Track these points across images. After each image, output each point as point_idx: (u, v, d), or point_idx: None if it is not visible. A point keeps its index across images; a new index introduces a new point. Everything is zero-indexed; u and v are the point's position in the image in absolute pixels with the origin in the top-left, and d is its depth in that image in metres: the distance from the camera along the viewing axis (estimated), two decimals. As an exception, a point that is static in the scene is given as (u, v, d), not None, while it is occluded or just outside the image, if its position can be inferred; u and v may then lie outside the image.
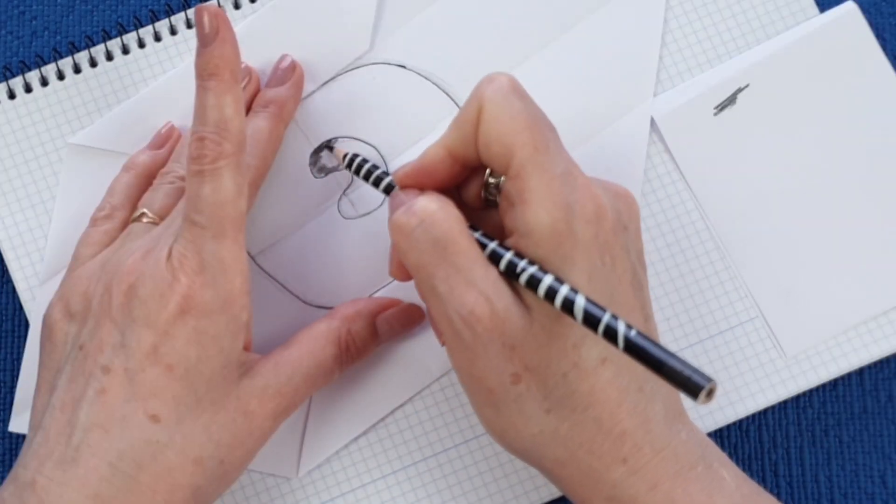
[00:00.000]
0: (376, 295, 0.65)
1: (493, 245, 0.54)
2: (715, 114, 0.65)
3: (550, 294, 0.52)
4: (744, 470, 0.64)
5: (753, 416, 0.65)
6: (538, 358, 0.53)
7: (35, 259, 0.65)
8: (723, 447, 0.65)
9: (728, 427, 0.65)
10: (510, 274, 0.53)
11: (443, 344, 0.58)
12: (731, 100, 0.66)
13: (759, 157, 0.65)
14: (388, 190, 0.59)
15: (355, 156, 0.62)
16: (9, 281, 0.66)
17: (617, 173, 0.65)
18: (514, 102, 0.54)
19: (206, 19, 0.57)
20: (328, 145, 0.65)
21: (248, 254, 0.63)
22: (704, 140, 0.65)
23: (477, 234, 0.54)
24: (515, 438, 0.56)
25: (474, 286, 0.53)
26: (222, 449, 0.56)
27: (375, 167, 0.60)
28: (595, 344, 0.54)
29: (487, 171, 0.57)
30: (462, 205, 0.57)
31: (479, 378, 0.55)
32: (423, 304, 0.63)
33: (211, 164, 0.55)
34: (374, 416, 0.64)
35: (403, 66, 0.66)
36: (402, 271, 0.59)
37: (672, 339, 0.64)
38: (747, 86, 0.66)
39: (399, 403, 0.64)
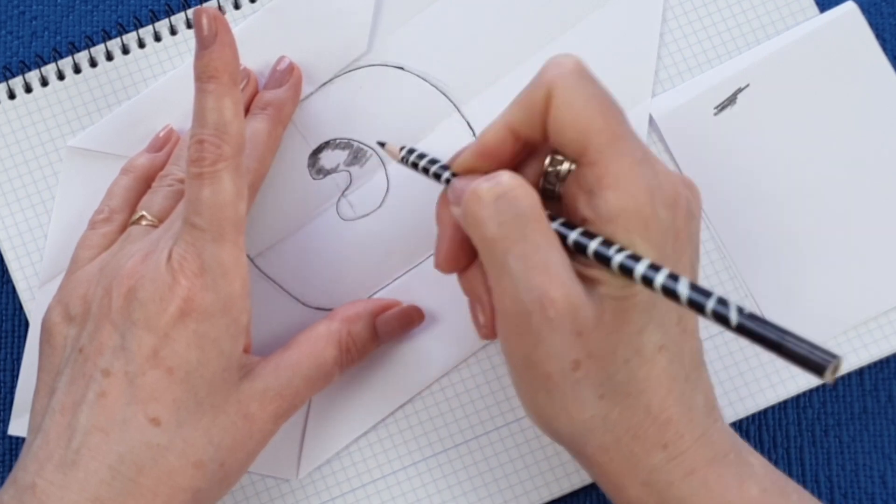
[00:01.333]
0: (376, 296, 0.65)
1: (598, 241, 0.53)
2: (715, 114, 0.66)
3: (647, 277, 0.51)
4: (744, 470, 0.64)
5: (753, 415, 0.65)
6: (604, 345, 0.53)
7: (35, 259, 0.65)
8: (723, 447, 0.65)
9: (729, 427, 0.65)
10: (599, 258, 0.52)
11: (483, 337, 0.57)
12: (732, 100, 0.66)
13: (759, 157, 0.65)
14: (448, 181, 0.57)
15: (412, 150, 0.60)
16: (9, 281, 0.66)
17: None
18: (585, 87, 0.53)
19: (204, 22, 0.57)
20: (380, 143, 0.63)
21: (248, 256, 0.63)
22: (705, 140, 0.65)
23: (556, 224, 0.54)
24: (566, 423, 0.55)
25: (551, 268, 0.52)
26: (223, 452, 0.56)
27: (433, 161, 0.59)
28: (656, 330, 0.54)
29: (547, 160, 0.56)
30: None
31: (536, 363, 0.54)
32: (421, 307, 0.64)
33: (210, 167, 0.55)
34: (375, 417, 0.64)
35: (402, 68, 0.66)
36: (451, 262, 0.57)
37: (672, 339, 0.64)
38: (747, 86, 0.66)
39: (399, 404, 0.64)
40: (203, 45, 0.57)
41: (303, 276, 0.65)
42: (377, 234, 0.65)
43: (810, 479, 0.65)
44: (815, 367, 0.46)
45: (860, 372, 0.66)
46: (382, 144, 0.62)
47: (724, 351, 0.64)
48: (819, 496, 0.65)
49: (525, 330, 0.53)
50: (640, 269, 0.51)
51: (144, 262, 0.56)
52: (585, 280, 0.53)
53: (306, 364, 0.59)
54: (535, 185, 0.56)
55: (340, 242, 0.65)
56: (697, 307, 0.50)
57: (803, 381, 0.64)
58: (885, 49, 0.67)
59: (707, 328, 0.64)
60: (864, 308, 0.64)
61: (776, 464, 0.65)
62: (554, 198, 0.56)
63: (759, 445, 0.65)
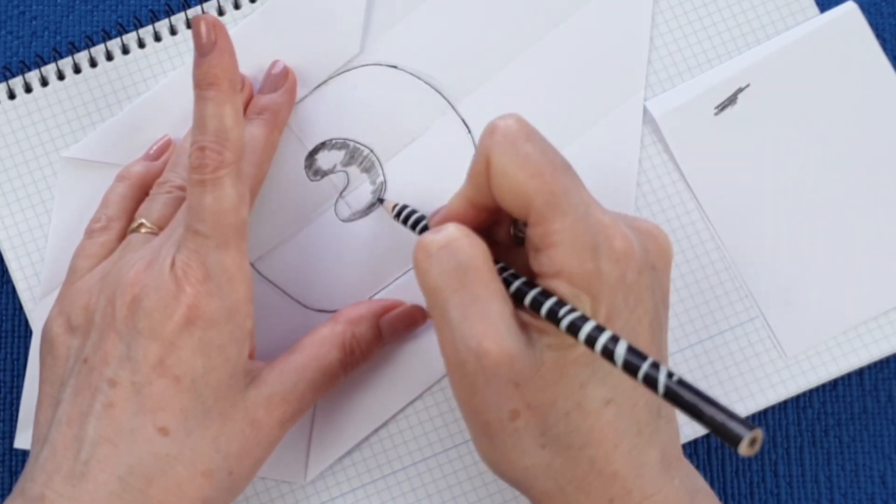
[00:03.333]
0: (378, 296, 0.65)
1: (535, 292, 0.53)
2: (715, 113, 0.65)
3: (590, 339, 0.50)
4: (744, 470, 0.64)
5: (753, 416, 0.65)
6: (542, 397, 0.53)
7: (35, 259, 0.65)
8: (723, 447, 0.65)
9: (728, 427, 0.65)
10: (551, 317, 0.52)
11: None
12: (732, 100, 0.65)
13: (759, 157, 0.65)
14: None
15: (404, 207, 0.61)
16: (8, 281, 0.66)
17: (611, 167, 0.65)
18: (520, 149, 0.52)
19: (203, 30, 0.57)
20: (380, 199, 0.65)
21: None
22: (705, 140, 0.65)
23: (518, 281, 0.54)
24: (508, 469, 0.55)
25: (488, 319, 0.52)
26: (230, 460, 0.56)
27: (423, 217, 0.60)
28: (602, 384, 0.53)
29: None
30: (493, 243, 0.56)
31: (476, 410, 0.54)
32: (423, 307, 0.64)
33: (212, 174, 0.55)
34: (380, 418, 0.64)
35: (395, 67, 0.66)
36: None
37: (672, 339, 0.64)
38: (748, 86, 0.66)
39: (404, 404, 0.64)
40: (202, 52, 0.57)
41: (303, 279, 0.65)
42: (376, 234, 0.65)
43: (810, 479, 0.65)
44: (732, 437, 0.45)
45: (860, 372, 0.66)
46: (382, 201, 0.64)
47: (724, 351, 0.64)
48: (819, 496, 0.65)
49: (463, 378, 0.53)
50: (584, 331, 0.50)
51: (147, 271, 0.56)
52: (531, 330, 0.53)
53: (311, 368, 0.59)
54: (507, 235, 0.56)
55: (340, 243, 0.65)
56: (630, 369, 0.49)
57: (803, 381, 0.64)
58: (885, 49, 0.66)
59: (707, 328, 0.64)
60: (864, 308, 0.64)
61: (776, 464, 0.65)
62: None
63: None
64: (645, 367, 0.48)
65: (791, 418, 0.65)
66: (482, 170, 0.53)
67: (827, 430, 0.66)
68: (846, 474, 0.65)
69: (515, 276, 0.54)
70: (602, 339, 0.49)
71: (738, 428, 0.45)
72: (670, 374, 0.48)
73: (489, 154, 0.53)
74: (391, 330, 0.63)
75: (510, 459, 0.55)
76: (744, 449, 0.45)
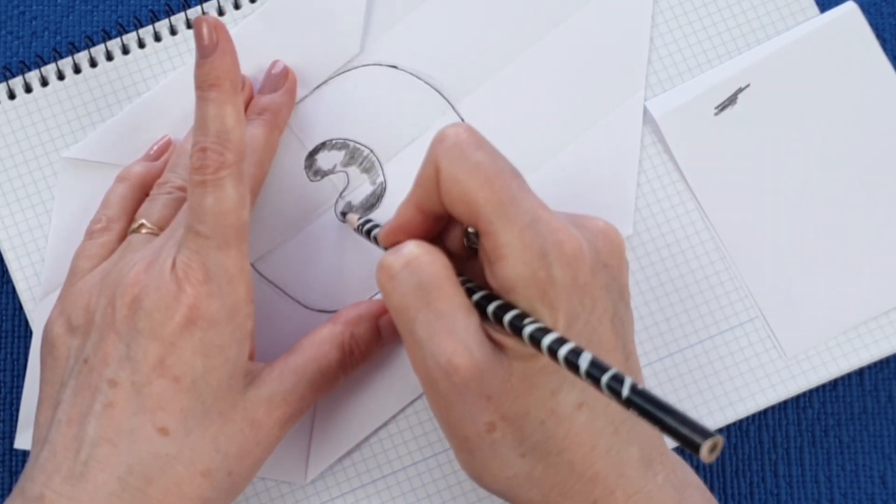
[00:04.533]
0: (378, 297, 0.64)
1: (495, 305, 0.53)
2: (715, 114, 0.65)
3: (553, 350, 0.50)
4: (744, 470, 0.64)
5: (753, 416, 0.65)
6: (515, 407, 0.53)
7: (35, 259, 0.65)
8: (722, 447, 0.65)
9: (728, 427, 0.65)
10: (514, 329, 0.52)
11: None
12: (732, 100, 0.65)
13: (759, 157, 0.65)
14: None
15: (367, 220, 0.62)
16: (8, 281, 0.66)
17: (611, 167, 0.65)
18: (469, 157, 0.52)
19: (205, 31, 0.57)
20: (342, 212, 0.65)
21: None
22: (705, 140, 0.65)
23: (478, 294, 0.54)
24: (491, 481, 0.56)
25: (454, 335, 0.52)
26: (230, 460, 0.56)
27: (376, 226, 0.60)
28: (572, 389, 0.53)
29: None
30: (448, 254, 0.56)
31: (453, 425, 0.55)
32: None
33: (213, 175, 0.55)
34: (380, 418, 0.64)
35: (395, 67, 0.66)
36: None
37: (672, 338, 0.64)
38: (748, 86, 0.66)
39: (404, 405, 0.64)
40: (204, 53, 0.57)
41: (304, 279, 0.64)
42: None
43: (810, 479, 0.65)
44: (691, 444, 0.45)
45: (860, 372, 0.66)
46: (345, 215, 0.65)
47: (724, 351, 0.64)
48: (819, 496, 0.65)
49: (437, 395, 0.54)
50: (546, 341, 0.50)
51: (148, 271, 0.56)
52: (497, 342, 0.53)
53: (311, 368, 0.59)
54: (461, 246, 0.57)
55: (340, 244, 0.65)
56: (594, 379, 0.48)
57: (803, 381, 0.64)
58: (885, 49, 0.66)
59: (707, 328, 0.64)
60: (864, 308, 0.64)
61: (776, 464, 0.65)
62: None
63: (759, 445, 0.65)
64: (605, 378, 0.48)
65: (791, 418, 0.65)
66: (431, 177, 0.53)
67: (827, 430, 0.65)
68: (846, 474, 0.65)
69: (476, 290, 0.54)
70: (563, 351, 0.49)
71: (696, 436, 0.45)
72: (633, 385, 0.47)
73: (438, 161, 0.53)
74: (391, 330, 0.62)
75: (492, 471, 0.55)
76: (704, 454, 0.44)
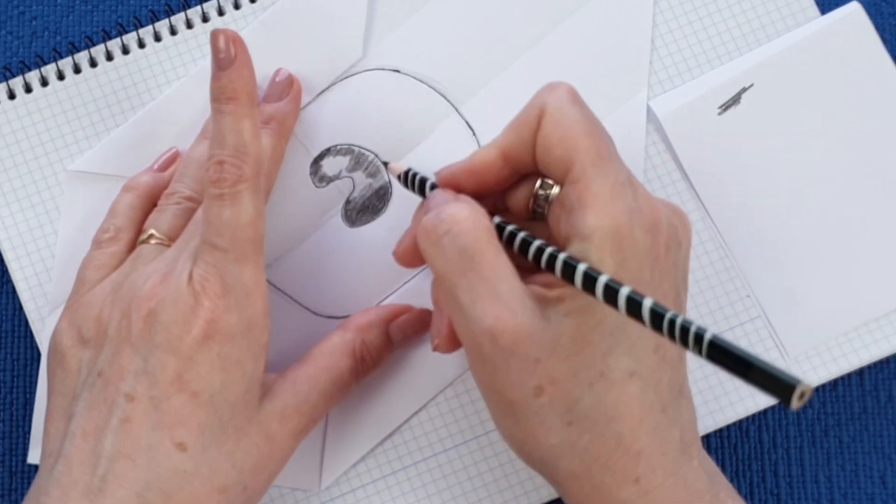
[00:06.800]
0: (387, 301, 0.64)
1: (539, 243, 0.53)
2: (719, 113, 0.65)
3: (609, 293, 0.50)
4: (744, 470, 0.65)
5: (753, 416, 0.65)
6: (564, 368, 0.53)
7: (35, 259, 0.64)
8: (723, 447, 0.65)
9: (728, 427, 0.65)
10: (566, 273, 0.52)
11: (435, 349, 0.58)
12: (736, 99, 0.65)
13: (762, 157, 0.65)
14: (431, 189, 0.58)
15: (409, 170, 0.61)
16: (9, 281, 0.66)
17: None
18: (576, 109, 0.54)
19: (222, 44, 0.57)
20: (384, 161, 0.65)
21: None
22: (708, 139, 0.65)
23: (538, 241, 0.54)
24: (534, 449, 0.55)
25: (499, 299, 0.52)
26: (245, 475, 0.56)
27: (426, 178, 0.59)
28: (625, 354, 0.53)
29: (538, 183, 0.56)
30: (507, 213, 0.56)
31: (499, 390, 0.54)
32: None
33: (231, 188, 0.55)
34: (392, 423, 0.64)
35: (398, 71, 0.66)
36: (406, 257, 0.58)
37: (673, 338, 0.64)
38: (751, 86, 0.65)
39: (416, 409, 0.64)
40: (221, 66, 0.57)
41: (312, 286, 0.64)
42: (383, 239, 0.64)
43: (810, 479, 0.65)
44: (784, 390, 0.44)
45: (860, 372, 0.66)
46: (386, 164, 0.64)
47: (724, 351, 0.64)
48: (819, 496, 0.65)
49: (483, 359, 0.53)
50: (601, 283, 0.50)
51: (164, 284, 0.55)
52: (547, 301, 0.53)
53: (323, 378, 0.59)
54: (525, 208, 0.57)
55: (347, 249, 0.65)
56: (656, 325, 0.48)
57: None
58: (886, 49, 0.66)
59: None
60: (867, 308, 0.64)
61: (776, 464, 0.65)
62: (543, 220, 0.56)
63: (759, 445, 0.65)
64: (680, 320, 0.47)
65: (791, 418, 0.65)
66: (530, 119, 0.54)
67: (827, 430, 0.66)
68: (846, 474, 0.65)
69: (531, 240, 0.54)
70: (624, 293, 0.49)
71: (789, 378, 0.44)
72: (703, 329, 0.47)
73: (545, 105, 0.54)
74: (401, 335, 0.62)
75: (536, 438, 0.54)
76: (795, 403, 0.44)
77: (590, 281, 0.51)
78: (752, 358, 0.45)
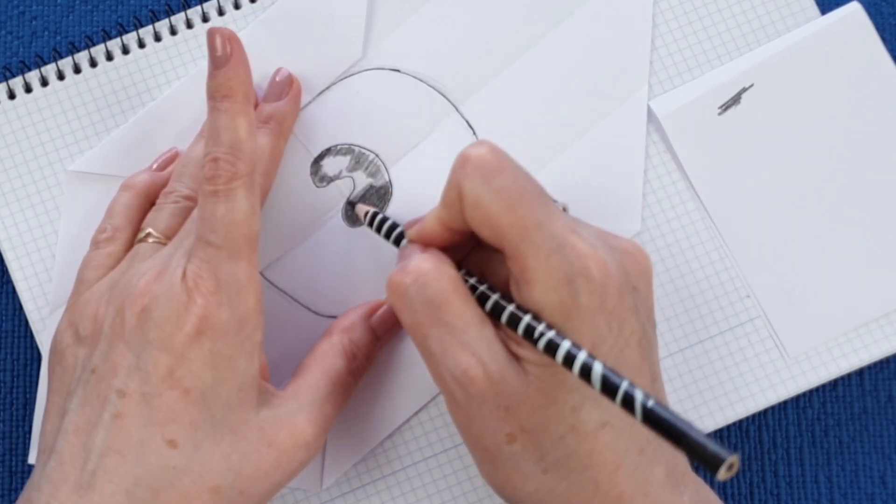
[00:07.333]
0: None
1: (511, 307, 0.53)
2: (719, 113, 0.65)
3: (568, 360, 0.50)
4: (744, 470, 0.65)
5: (753, 416, 0.65)
6: (534, 420, 0.53)
7: (35, 259, 0.64)
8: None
9: (728, 427, 0.65)
10: (527, 336, 0.52)
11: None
12: (736, 100, 0.65)
13: (762, 158, 0.65)
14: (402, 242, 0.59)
15: (376, 213, 0.61)
16: (9, 281, 0.66)
17: (616, 163, 0.65)
18: (492, 181, 0.52)
19: (218, 42, 0.57)
20: (350, 202, 0.65)
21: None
22: (708, 140, 0.65)
23: (491, 300, 0.54)
24: (513, 494, 0.55)
25: (467, 347, 0.52)
26: (243, 479, 0.56)
27: (395, 224, 0.60)
28: (595, 407, 0.53)
29: None
30: (479, 246, 0.56)
31: (474, 436, 0.55)
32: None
33: (225, 185, 0.55)
34: (393, 423, 0.64)
35: (398, 70, 0.66)
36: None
37: (673, 338, 0.64)
38: (752, 86, 0.65)
39: (417, 409, 0.64)
40: (217, 64, 0.57)
41: (313, 285, 0.64)
42: (383, 239, 0.64)
43: (810, 480, 0.65)
44: (712, 461, 0.45)
45: (860, 372, 0.66)
46: (353, 205, 0.64)
47: (724, 351, 0.64)
48: (819, 496, 0.65)
49: (457, 406, 0.54)
50: (562, 351, 0.50)
51: (158, 281, 0.55)
52: (515, 356, 0.53)
53: (323, 383, 0.59)
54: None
55: (348, 249, 0.65)
56: (609, 391, 0.49)
57: (803, 381, 0.64)
58: (886, 49, 0.66)
59: (708, 328, 0.64)
60: (867, 309, 0.64)
61: (776, 464, 0.65)
62: None
63: (760, 445, 0.65)
64: (624, 386, 0.48)
65: (791, 418, 0.65)
66: (455, 200, 0.53)
67: (827, 430, 0.66)
68: (846, 474, 0.65)
69: (492, 291, 0.54)
70: (580, 358, 0.49)
71: (716, 452, 0.45)
72: (647, 395, 0.48)
73: (461, 186, 0.53)
74: (384, 328, 0.63)
75: (513, 484, 0.55)
76: (723, 474, 0.45)
77: (550, 346, 0.51)
78: (686, 429, 0.46)
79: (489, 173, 0.52)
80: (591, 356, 0.49)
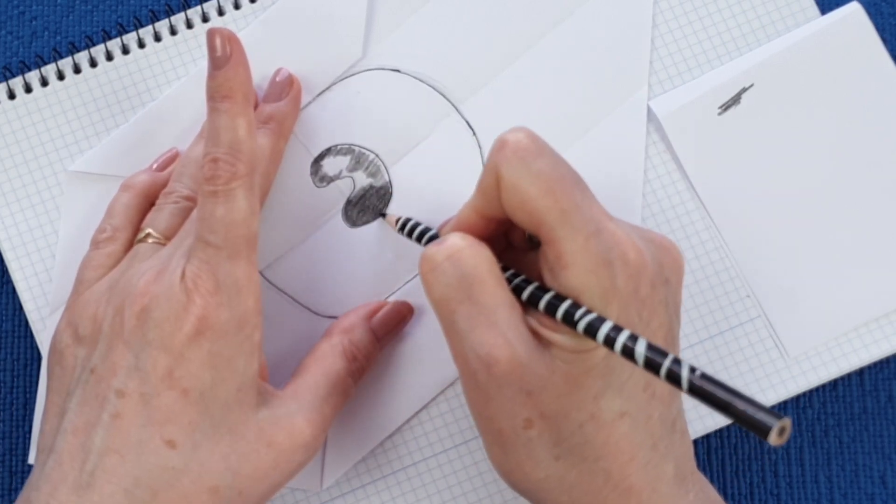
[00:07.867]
0: (390, 300, 0.64)
1: (549, 296, 0.53)
2: (719, 113, 0.65)
3: (609, 341, 0.50)
4: (744, 470, 0.65)
5: (753, 416, 0.65)
6: (556, 406, 0.53)
7: (35, 259, 0.64)
8: (723, 447, 0.65)
9: (728, 427, 0.65)
10: (566, 319, 0.51)
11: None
12: (736, 100, 0.65)
13: (762, 158, 0.65)
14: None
15: (408, 220, 0.61)
16: (9, 281, 0.66)
17: (616, 163, 0.65)
18: (531, 165, 0.52)
19: (218, 43, 0.57)
20: (381, 213, 0.65)
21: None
22: (708, 139, 0.65)
23: (530, 287, 0.53)
24: (521, 480, 0.55)
25: (496, 327, 0.52)
26: (242, 480, 0.55)
27: (428, 228, 0.60)
28: (616, 396, 0.53)
29: None
30: (509, 247, 0.56)
31: (489, 418, 0.54)
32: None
33: (225, 185, 0.55)
34: (393, 423, 0.64)
35: (398, 71, 0.66)
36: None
37: (673, 338, 0.64)
38: (752, 86, 0.65)
39: (418, 408, 0.64)
40: (216, 65, 0.57)
41: (313, 286, 0.64)
42: (384, 239, 0.64)
43: (810, 479, 0.65)
44: (761, 428, 0.45)
45: (860, 372, 0.66)
46: (384, 216, 0.64)
47: (725, 351, 0.64)
48: (819, 496, 0.65)
49: (476, 386, 0.53)
50: (591, 322, 0.50)
51: (157, 281, 0.55)
52: (541, 340, 0.53)
53: (323, 384, 0.59)
54: (522, 240, 0.56)
55: (348, 249, 0.65)
56: (652, 366, 0.48)
57: (803, 381, 0.64)
58: (886, 49, 0.66)
59: (707, 328, 0.64)
60: (868, 308, 0.64)
61: (776, 464, 0.65)
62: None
63: (760, 445, 0.65)
64: (667, 363, 0.48)
65: (791, 418, 0.65)
66: (492, 184, 0.53)
67: (827, 430, 0.66)
68: (846, 474, 0.65)
69: (527, 282, 0.54)
70: (621, 339, 0.49)
71: (767, 418, 0.45)
72: (693, 369, 0.47)
73: (499, 169, 0.52)
74: (384, 329, 0.63)
75: (524, 470, 0.55)
76: (773, 438, 0.44)
77: (590, 328, 0.50)
78: (732, 399, 0.46)
79: (528, 157, 0.52)
80: (634, 334, 0.49)
